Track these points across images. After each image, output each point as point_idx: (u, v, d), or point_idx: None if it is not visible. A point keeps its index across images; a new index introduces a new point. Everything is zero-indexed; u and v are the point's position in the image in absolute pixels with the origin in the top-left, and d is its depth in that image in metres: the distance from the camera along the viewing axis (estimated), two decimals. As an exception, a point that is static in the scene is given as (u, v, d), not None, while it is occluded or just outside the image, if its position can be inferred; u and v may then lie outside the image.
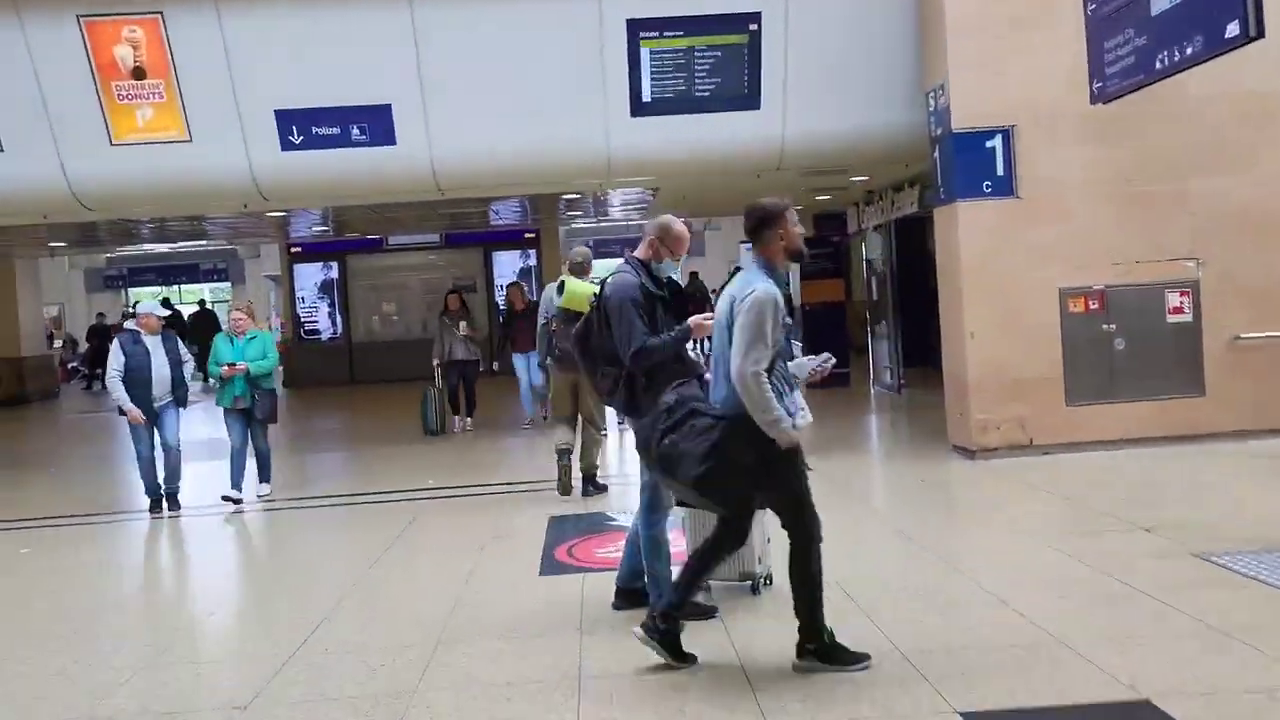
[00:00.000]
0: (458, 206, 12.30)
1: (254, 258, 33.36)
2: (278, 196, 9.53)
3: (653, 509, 4.55)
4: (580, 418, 7.60)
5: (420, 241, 18.28)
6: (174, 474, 7.97)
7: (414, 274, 18.47)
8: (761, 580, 4.92)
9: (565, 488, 7.48)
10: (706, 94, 9.03)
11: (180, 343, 8.10)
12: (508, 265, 18.49)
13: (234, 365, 7.82)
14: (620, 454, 9.40)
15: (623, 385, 4.47)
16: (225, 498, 7.97)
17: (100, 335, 23.01)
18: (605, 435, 7.79)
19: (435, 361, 11.17)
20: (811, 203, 14.11)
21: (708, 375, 4.88)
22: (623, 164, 9.36)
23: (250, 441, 8.09)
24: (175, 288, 39.09)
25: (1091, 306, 8.23)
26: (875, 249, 13.92)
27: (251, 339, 8.00)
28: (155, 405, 7.77)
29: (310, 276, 18.27)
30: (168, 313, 8.39)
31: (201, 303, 25.37)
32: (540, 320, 7.98)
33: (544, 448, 10.16)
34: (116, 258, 38.81)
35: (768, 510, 4.66)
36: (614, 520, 6.81)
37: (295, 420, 14.53)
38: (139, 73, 8.57)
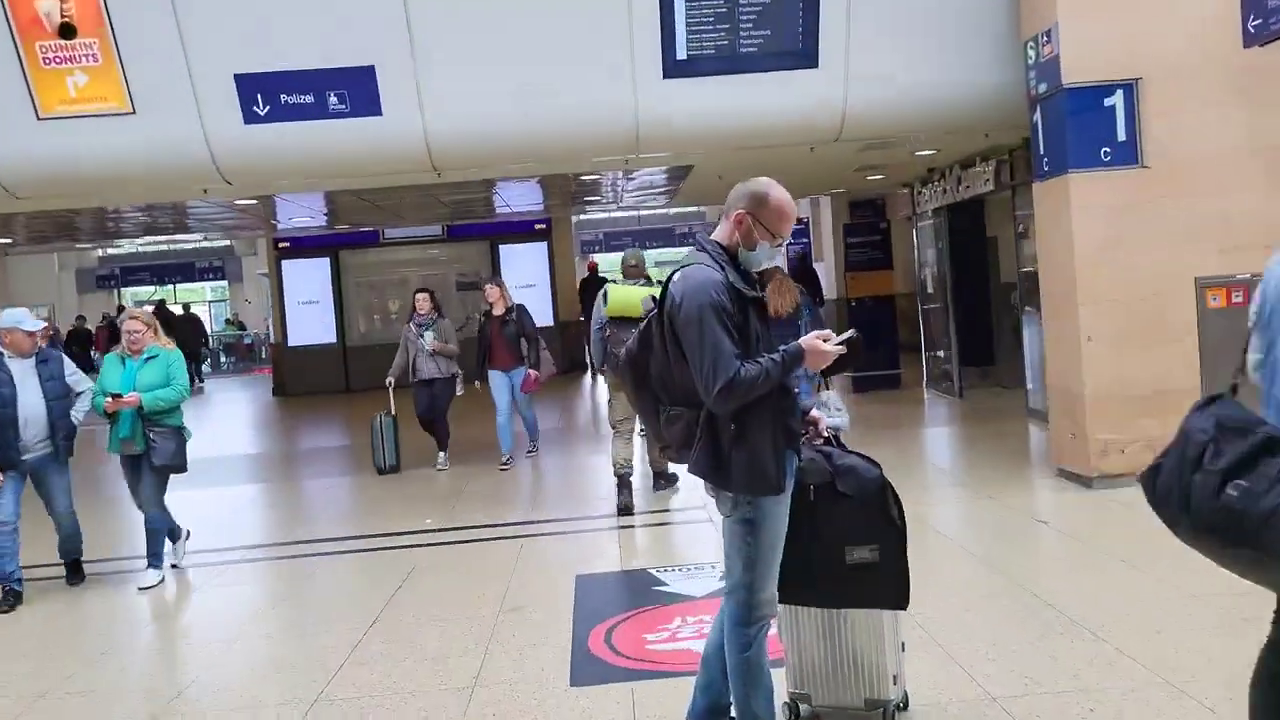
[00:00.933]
0: (459, 191, 10.74)
1: (251, 255, 31.89)
2: (242, 179, 8.02)
3: (745, 621, 3.02)
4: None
5: (420, 235, 16.77)
6: (69, 541, 6.03)
7: (414, 270, 16.96)
8: (895, 707, 3.39)
9: (627, 508, 6.97)
10: (754, 49, 7.51)
11: (67, 365, 5.91)
12: (518, 260, 16.94)
13: (120, 397, 5.69)
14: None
15: (702, 435, 2.94)
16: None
17: (81, 341, 21.60)
18: None
19: (389, 381, 9.08)
20: (862, 184, 12.56)
21: (818, 412, 3.41)
22: (653, 135, 7.83)
23: (143, 499, 5.96)
24: (170, 287, 37.82)
25: (1235, 300, 6.68)
26: (930, 236, 12.38)
27: (150, 359, 5.86)
28: (26, 457, 5.63)
29: (300, 274, 16.78)
30: (42, 325, 6.23)
31: (186, 306, 23.96)
32: (594, 327, 7.13)
33: (537, 480, 8.87)
34: (109, 256, 37.55)
35: (896, 610, 3.29)
36: (663, 585, 5.29)
37: (270, 433, 13.06)
38: (67, 30, 7.06)
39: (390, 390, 9.11)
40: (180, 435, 5.95)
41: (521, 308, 8.99)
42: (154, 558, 6.02)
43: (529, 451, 9.42)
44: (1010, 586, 4.92)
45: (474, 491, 8.17)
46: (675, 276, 3.00)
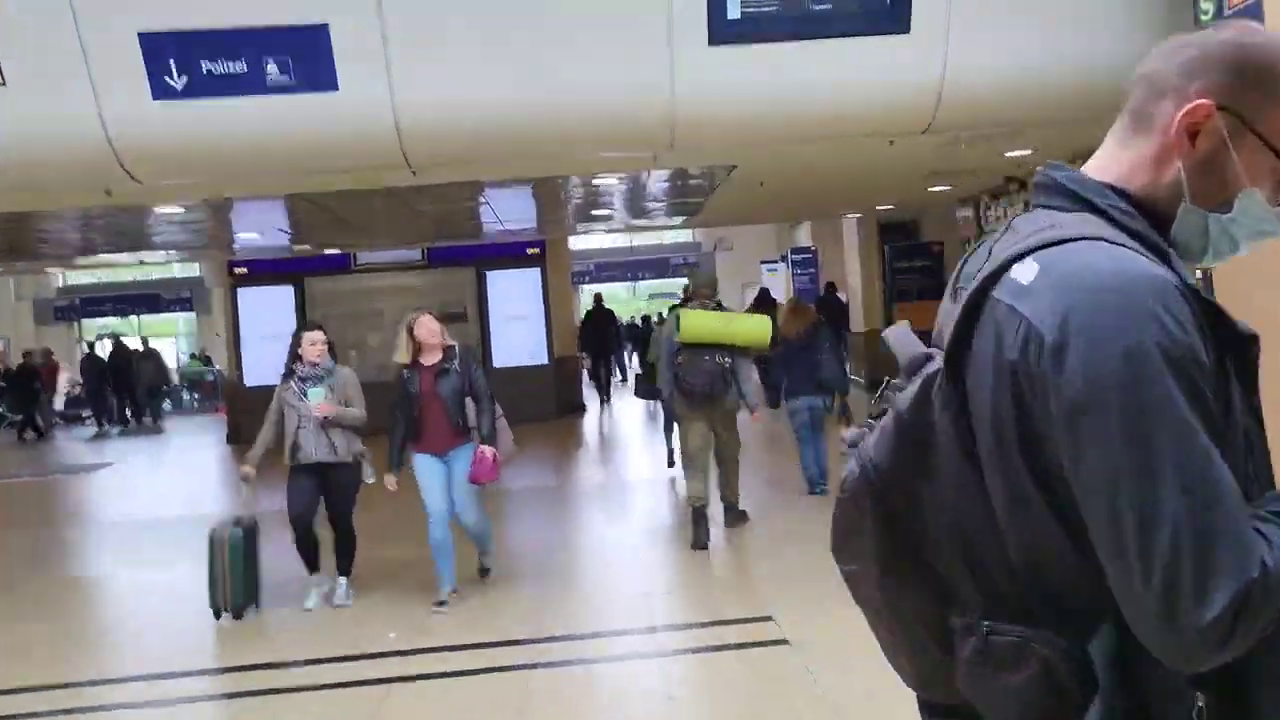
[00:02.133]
0: (440, 200, 8.83)
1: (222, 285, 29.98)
2: (152, 173, 6.10)
3: None
4: (715, 457, 6.92)
5: (397, 260, 14.86)
6: None
7: (389, 300, 15.01)
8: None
9: (701, 542, 6.67)
10: (827, 7, 5.71)
11: None
12: (508, 288, 15.02)
13: None
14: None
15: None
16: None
17: (24, 378, 19.44)
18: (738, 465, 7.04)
19: (246, 471, 5.85)
20: (919, 198, 10.76)
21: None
22: (693, 121, 5.99)
23: None
24: (134, 319, 35.76)
25: None
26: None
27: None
28: None
29: (259, 304, 14.80)
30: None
31: (145, 341, 21.90)
32: (666, 353, 6.76)
33: (516, 595, 6.42)
34: (69, 287, 35.52)
35: None
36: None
37: (166, 507, 11.06)
38: (-96, -33, 5.19)
39: (248, 485, 5.92)
40: None
41: (468, 351, 6.08)
42: None
43: (482, 571, 6.23)
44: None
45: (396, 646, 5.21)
46: (1018, 276, 1.11)
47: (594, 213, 10.29)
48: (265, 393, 14.59)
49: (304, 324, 6.19)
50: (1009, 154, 7.62)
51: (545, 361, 14.86)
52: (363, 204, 8.82)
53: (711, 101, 5.87)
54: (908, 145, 6.85)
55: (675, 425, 9.82)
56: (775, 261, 30.30)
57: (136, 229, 10.35)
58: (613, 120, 6.00)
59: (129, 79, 5.53)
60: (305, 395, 5.76)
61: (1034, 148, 7.45)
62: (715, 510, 7.08)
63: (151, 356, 20.39)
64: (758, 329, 6.65)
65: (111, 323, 35.68)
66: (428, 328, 5.74)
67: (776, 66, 5.78)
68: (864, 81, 5.88)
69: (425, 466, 5.77)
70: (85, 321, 35.35)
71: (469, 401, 5.73)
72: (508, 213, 10.39)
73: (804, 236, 30.79)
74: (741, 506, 7.11)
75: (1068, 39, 5.78)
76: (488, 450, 5.61)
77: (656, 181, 8.49)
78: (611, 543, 7.16)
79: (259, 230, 10.79)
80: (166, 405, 21.47)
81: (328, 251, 14.03)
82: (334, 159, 6.15)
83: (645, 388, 10.77)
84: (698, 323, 6.45)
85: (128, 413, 19.31)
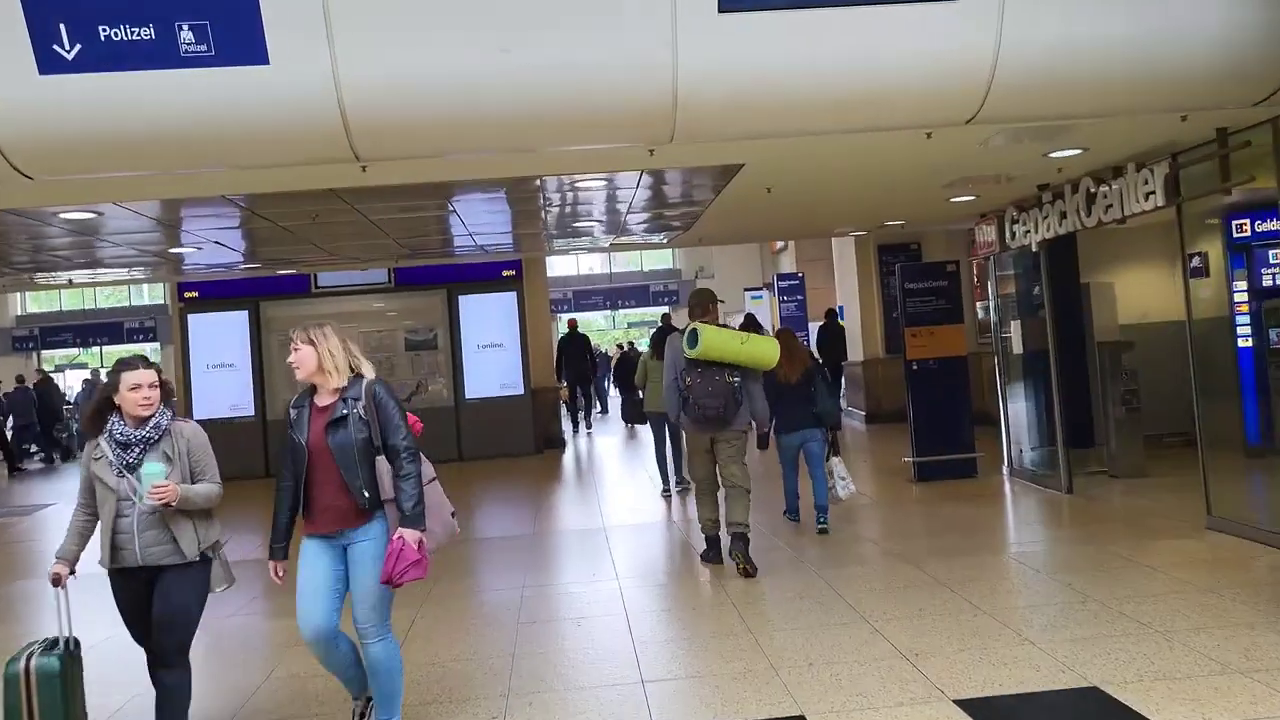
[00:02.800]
0: (402, 207, 7.73)
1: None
2: (39, 166, 5.02)
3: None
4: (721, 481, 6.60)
5: (361, 282, 13.79)
6: None
7: (353, 325, 13.93)
8: None
9: (718, 558, 6.65)
10: (859, -31, 4.77)
11: None
12: (482, 313, 13.95)
13: None
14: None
15: None
16: None
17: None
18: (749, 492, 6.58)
19: (56, 574, 3.87)
20: (939, 211, 9.77)
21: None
22: (698, 105, 4.97)
23: None
24: (95, 349, 34.42)
25: None
26: (1023, 279, 9.67)
27: None
28: None
29: (211, 330, 13.68)
30: None
31: (96, 371, 20.56)
32: (672, 373, 6.42)
33: None
34: (27, 316, 34.21)
35: None
36: None
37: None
38: None
39: (62, 590, 3.88)
40: None
41: (385, 389, 4.06)
42: None
43: None
44: None
45: None
46: None
47: (575, 225, 9.27)
48: (217, 426, 13.47)
49: (125, 360, 4.02)
50: (1054, 154, 6.67)
51: (522, 392, 13.79)
52: (308, 212, 7.74)
53: (721, 80, 4.87)
54: (942, 142, 5.90)
55: (669, 449, 9.80)
56: (759, 289, 29.59)
57: (49, 241, 9.20)
58: (603, 103, 4.98)
59: (8, 47, 4.48)
60: (130, 473, 3.83)
61: (1085, 147, 6.52)
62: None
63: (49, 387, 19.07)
64: (770, 351, 6.33)
65: (72, 354, 34.34)
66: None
67: (799, 38, 4.80)
68: (901, 56, 4.91)
69: (308, 556, 3.95)
70: (46, 352, 34.04)
71: (381, 461, 3.90)
72: (480, 225, 9.35)
73: (788, 263, 30.05)
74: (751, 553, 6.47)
75: (1162, 6, 4.83)
76: (409, 535, 3.79)
77: (646, 187, 7.48)
78: (597, 605, 6.07)
79: (196, 244, 9.67)
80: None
81: (284, 273, 12.92)
82: (264, 151, 5.09)
83: (634, 411, 10.62)
84: (716, 339, 6.05)
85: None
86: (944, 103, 5.18)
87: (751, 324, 9.45)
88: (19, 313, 34.15)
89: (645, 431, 16.51)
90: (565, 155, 6.02)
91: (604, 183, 7.02)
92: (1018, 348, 9.58)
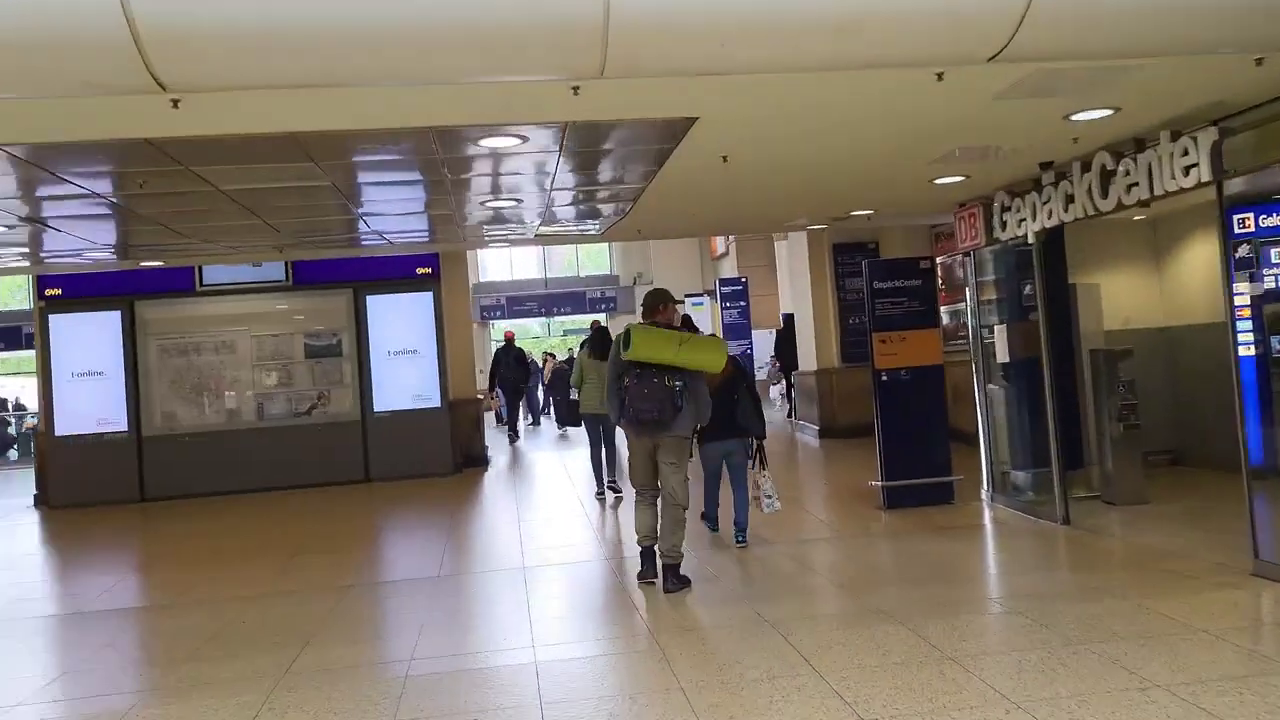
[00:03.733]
0: (261, 174, 6.08)
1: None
2: None
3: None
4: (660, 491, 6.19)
5: (253, 279, 12.13)
6: None
7: (244, 328, 12.28)
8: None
9: (649, 579, 6.20)
10: None
11: None
12: (394, 315, 12.38)
13: None
14: None
15: None
16: None
17: None
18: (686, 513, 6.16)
19: None
20: (915, 200, 8.52)
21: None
22: (638, 24, 3.59)
23: None
24: (-11, 355, 31.72)
25: None
26: (1010, 278, 8.46)
27: None
28: None
29: (77, 333, 11.90)
30: None
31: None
32: (612, 375, 6.08)
33: None
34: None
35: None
36: None
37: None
38: None
39: None
40: None
41: None
42: None
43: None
44: None
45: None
46: None
47: (493, 206, 7.76)
48: (82, 444, 11.70)
49: None
50: (1077, 115, 5.42)
51: (438, 404, 12.26)
52: (133, 177, 6.12)
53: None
54: (949, 91, 4.61)
55: (604, 452, 9.77)
56: (700, 295, 28.50)
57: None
58: (509, 10, 3.56)
59: None
60: None
61: (1116, 107, 5.28)
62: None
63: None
64: (714, 355, 6.02)
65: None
66: None
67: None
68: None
69: None
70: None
71: None
72: (374, 205, 7.79)
73: (729, 268, 28.93)
74: (684, 572, 6.20)
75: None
76: None
77: (573, 153, 6.02)
78: (503, 690, 4.64)
79: (77, 239, 7.91)
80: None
81: (152, 265, 11.18)
82: (28, 73, 3.57)
83: (569, 413, 10.27)
84: (646, 342, 5.85)
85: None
86: (968, 27, 3.87)
87: (688, 325, 8.30)
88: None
89: (577, 437, 15.85)
90: (463, 96, 4.58)
91: (518, 141, 5.57)
92: (1002, 355, 8.38)
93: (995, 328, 8.50)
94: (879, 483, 8.59)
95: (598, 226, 9.52)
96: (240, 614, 6.36)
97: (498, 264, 33.66)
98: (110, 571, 8.63)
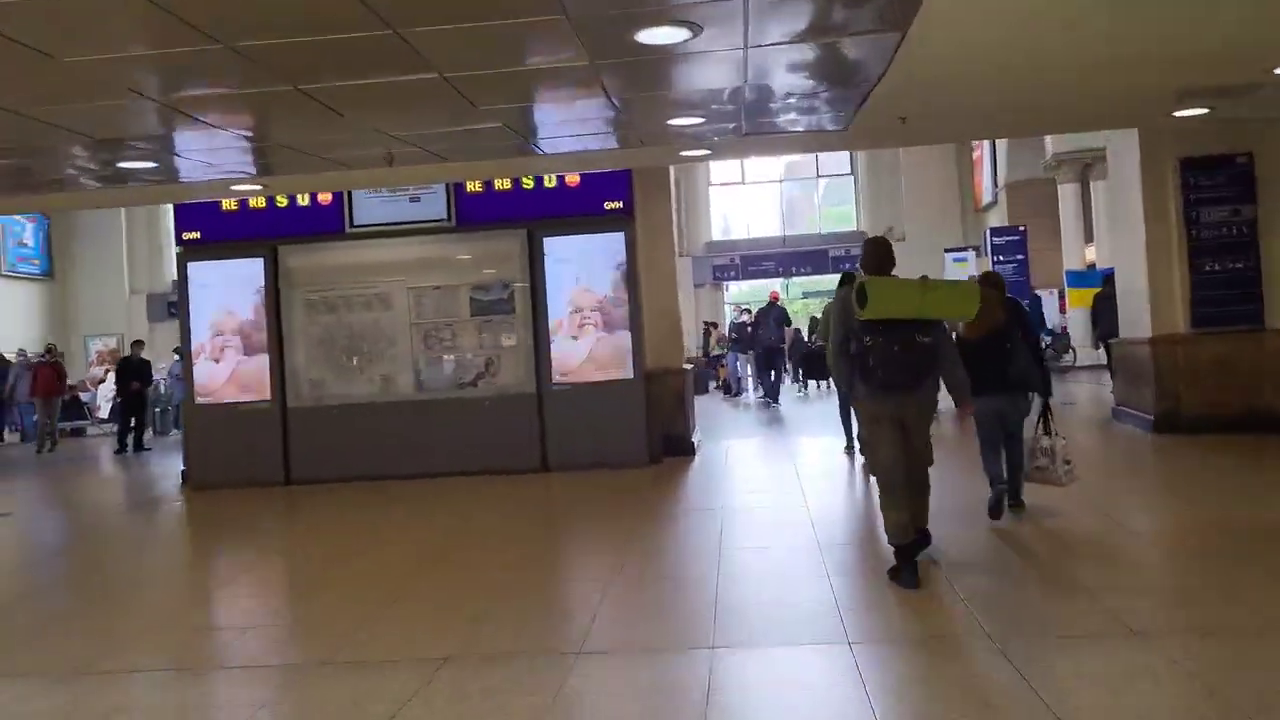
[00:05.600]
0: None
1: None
2: None
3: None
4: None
5: (410, 219, 9.99)
6: None
7: (401, 279, 10.17)
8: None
9: (912, 579, 5.12)
10: None
11: None
12: (577, 259, 9.85)
13: None
14: None
15: None
16: None
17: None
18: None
19: None
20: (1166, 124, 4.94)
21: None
22: None
23: None
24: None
25: None
26: None
27: None
28: None
29: (215, 284, 10.24)
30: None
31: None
32: (839, 339, 5.36)
33: None
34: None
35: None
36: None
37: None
38: None
39: None
40: None
41: None
42: None
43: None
44: None
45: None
46: None
47: (676, 98, 4.93)
48: (223, 414, 10.05)
49: None
50: None
51: (630, 375, 9.65)
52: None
53: None
54: None
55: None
56: (963, 250, 24.75)
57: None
58: None
59: None
60: None
61: None
62: None
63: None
64: (964, 299, 5.18)
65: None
66: None
67: None
68: None
69: None
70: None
71: None
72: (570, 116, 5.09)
73: (998, 219, 24.76)
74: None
75: None
76: None
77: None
78: None
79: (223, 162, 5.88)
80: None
81: (303, 202, 9.21)
82: None
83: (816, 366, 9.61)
84: (885, 292, 4.96)
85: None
86: None
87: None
88: (174, 278, 33.20)
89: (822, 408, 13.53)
90: None
91: None
92: None
93: None
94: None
95: (829, 119, 6.44)
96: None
97: (735, 221, 30.99)
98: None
